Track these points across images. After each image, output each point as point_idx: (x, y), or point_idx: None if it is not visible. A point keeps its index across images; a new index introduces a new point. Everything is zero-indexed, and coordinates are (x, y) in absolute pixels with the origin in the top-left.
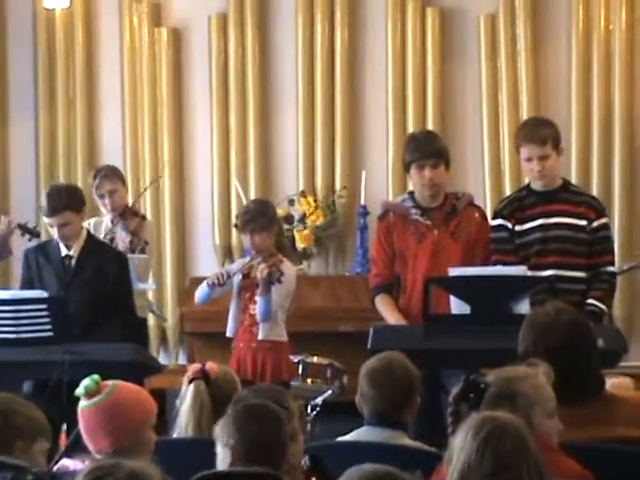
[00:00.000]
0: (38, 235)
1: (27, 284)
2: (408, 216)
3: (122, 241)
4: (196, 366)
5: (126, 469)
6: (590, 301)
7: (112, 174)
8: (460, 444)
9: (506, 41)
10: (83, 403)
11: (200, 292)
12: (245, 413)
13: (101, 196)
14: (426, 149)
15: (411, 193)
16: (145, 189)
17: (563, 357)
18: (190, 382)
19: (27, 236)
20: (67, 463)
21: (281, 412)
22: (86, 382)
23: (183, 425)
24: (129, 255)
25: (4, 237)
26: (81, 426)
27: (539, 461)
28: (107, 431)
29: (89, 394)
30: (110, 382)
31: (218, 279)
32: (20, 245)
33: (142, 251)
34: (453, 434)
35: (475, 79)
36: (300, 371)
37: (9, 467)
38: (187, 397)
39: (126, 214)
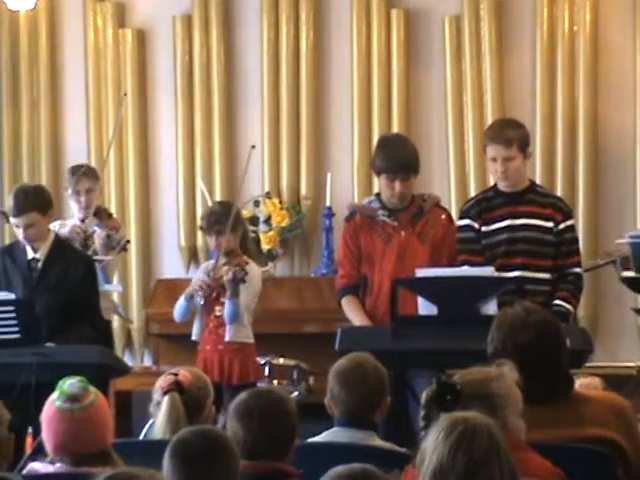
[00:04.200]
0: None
1: None
2: (375, 217)
3: (99, 237)
4: (170, 378)
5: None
6: (556, 302)
7: (91, 173)
8: (432, 446)
9: (470, 42)
10: (70, 405)
11: (179, 309)
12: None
13: (77, 192)
14: (398, 161)
15: (378, 195)
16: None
17: (533, 356)
18: (165, 394)
19: None
20: (36, 466)
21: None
22: (77, 385)
23: (159, 436)
24: (95, 257)
25: None
26: (58, 428)
27: (511, 460)
28: (92, 435)
29: (76, 398)
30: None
31: (202, 288)
32: None
33: (123, 248)
34: (425, 437)
35: (440, 80)
36: (267, 373)
37: None
38: (162, 409)
39: (100, 214)
